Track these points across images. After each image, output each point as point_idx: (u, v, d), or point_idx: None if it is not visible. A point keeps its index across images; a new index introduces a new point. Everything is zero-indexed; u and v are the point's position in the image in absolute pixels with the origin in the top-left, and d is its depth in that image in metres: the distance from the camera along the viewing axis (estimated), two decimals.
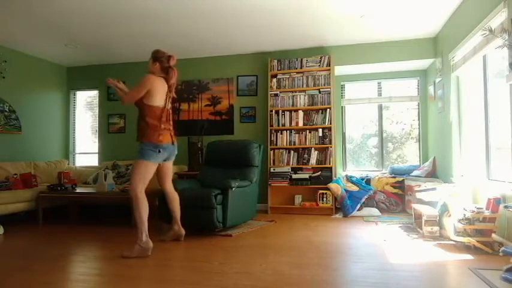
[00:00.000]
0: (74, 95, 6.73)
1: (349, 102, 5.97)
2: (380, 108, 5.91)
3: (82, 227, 4.50)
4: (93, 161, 6.53)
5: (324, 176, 5.24)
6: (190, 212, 3.70)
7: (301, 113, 5.44)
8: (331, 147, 5.25)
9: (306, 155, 5.37)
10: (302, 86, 5.45)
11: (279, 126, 5.49)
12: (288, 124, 5.47)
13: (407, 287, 2.24)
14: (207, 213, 3.69)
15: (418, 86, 5.76)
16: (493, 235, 3.01)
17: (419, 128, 5.76)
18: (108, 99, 6.47)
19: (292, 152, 5.44)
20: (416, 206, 3.94)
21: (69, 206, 5.05)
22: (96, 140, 6.56)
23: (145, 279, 2.45)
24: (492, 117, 3.64)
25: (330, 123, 5.29)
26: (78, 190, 4.81)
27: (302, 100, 5.45)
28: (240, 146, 4.54)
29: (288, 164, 5.41)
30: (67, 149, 6.61)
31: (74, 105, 6.73)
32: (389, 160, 5.89)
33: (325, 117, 5.33)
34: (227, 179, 3.93)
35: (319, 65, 5.40)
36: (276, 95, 5.54)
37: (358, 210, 4.95)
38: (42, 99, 6.11)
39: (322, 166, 5.28)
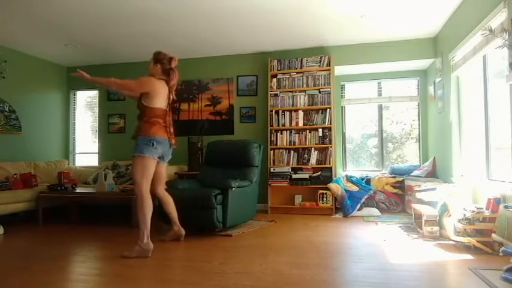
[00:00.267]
0: (74, 95, 6.73)
1: (349, 102, 5.97)
2: (380, 108, 5.91)
3: (82, 227, 4.50)
4: (93, 161, 6.53)
5: (324, 176, 5.24)
6: (190, 212, 3.70)
7: (301, 113, 5.44)
8: (331, 147, 5.25)
9: (306, 155, 5.37)
10: (302, 86, 5.45)
11: (279, 126, 5.49)
12: (288, 124, 5.47)
13: (407, 287, 2.24)
14: (207, 213, 3.69)
15: (418, 86, 5.76)
16: (493, 235, 3.01)
17: (419, 128, 5.76)
18: (108, 99, 6.47)
19: (292, 152, 5.44)
20: (416, 206, 3.94)
21: (69, 206, 5.05)
22: (96, 140, 6.56)
23: (145, 279, 2.45)
24: (492, 117, 3.64)
25: (330, 123, 5.29)
26: (78, 190, 4.81)
27: (302, 100, 5.45)
28: (240, 146, 4.54)
29: (288, 164, 5.41)
30: (67, 149, 6.61)
31: (74, 105, 6.73)
32: (390, 160, 5.89)
33: (325, 117, 5.33)
34: (227, 179, 3.93)
35: (319, 65, 5.40)
36: (276, 95, 5.54)
37: (358, 210, 4.95)
38: (42, 99, 6.11)
39: (322, 166, 5.28)
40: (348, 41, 5.38)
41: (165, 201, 3.46)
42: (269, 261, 2.82)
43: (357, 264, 2.74)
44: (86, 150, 6.69)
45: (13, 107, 5.51)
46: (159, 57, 3.29)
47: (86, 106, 6.77)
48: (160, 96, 3.19)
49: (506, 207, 2.82)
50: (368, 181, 5.39)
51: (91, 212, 5.48)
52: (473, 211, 3.06)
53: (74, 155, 6.69)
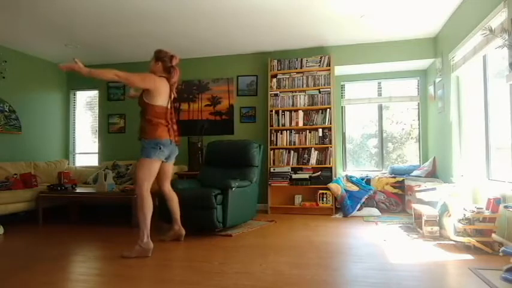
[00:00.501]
0: (74, 95, 6.73)
1: (349, 102, 5.97)
2: (380, 108, 5.91)
3: (82, 227, 4.50)
4: (93, 161, 6.53)
5: (324, 176, 5.24)
6: (190, 212, 3.70)
7: (301, 113, 5.44)
8: (331, 147, 5.25)
9: (306, 155, 5.37)
10: (302, 86, 5.45)
11: (279, 126, 5.49)
12: (288, 124, 5.46)
13: (407, 287, 2.24)
14: (207, 213, 3.69)
15: (418, 86, 5.76)
16: (493, 235, 3.01)
17: (419, 128, 5.76)
18: (108, 99, 6.47)
19: (292, 152, 5.44)
20: (416, 206, 3.94)
21: (69, 206, 5.04)
22: (96, 140, 6.56)
23: (145, 279, 2.45)
24: (492, 117, 3.64)
25: (330, 123, 5.29)
26: (78, 190, 4.81)
27: (302, 100, 5.45)
28: (240, 146, 4.54)
29: (288, 164, 5.41)
30: (67, 149, 6.61)
31: (74, 105, 6.73)
32: (390, 160, 5.89)
33: (325, 117, 5.33)
34: (227, 179, 3.93)
35: (319, 65, 5.40)
36: (276, 95, 5.54)
37: (358, 210, 4.95)
38: (42, 99, 6.11)
39: (322, 166, 5.28)
40: (348, 41, 5.38)
41: (170, 199, 3.50)
42: (269, 261, 2.82)
43: (357, 264, 2.74)
44: (86, 150, 6.69)
45: (13, 107, 5.51)
46: (160, 55, 3.30)
47: (86, 106, 6.77)
48: (162, 94, 3.20)
49: (506, 207, 2.82)
50: (368, 181, 5.39)
51: (91, 212, 5.48)
52: (473, 211, 3.06)
53: (74, 155, 6.69)
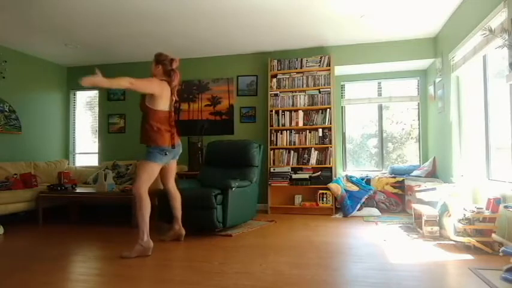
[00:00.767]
0: (74, 95, 6.73)
1: (349, 102, 5.97)
2: (380, 108, 5.91)
3: (82, 227, 4.50)
4: (93, 161, 6.53)
5: (324, 176, 5.24)
6: (190, 212, 3.70)
7: (301, 113, 5.44)
8: (331, 147, 5.25)
9: (306, 155, 5.37)
10: (302, 86, 5.45)
11: (279, 126, 5.49)
12: (288, 124, 5.47)
13: (407, 287, 2.24)
14: (207, 213, 3.69)
15: (418, 86, 5.76)
16: (493, 235, 3.01)
17: (419, 128, 5.76)
18: (108, 99, 6.47)
19: (292, 152, 5.44)
20: (416, 206, 3.94)
21: (69, 206, 5.05)
22: (96, 140, 6.56)
23: (145, 279, 2.45)
24: (492, 117, 3.64)
25: (330, 123, 5.29)
26: (78, 190, 4.81)
27: (302, 100, 5.45)
28: (240, 146, 4.54)
29: (288, 164, 5.41)
30: (67, 149, 6.61)
31: (74, 105, 6.73)
32: (390, 160, 5.89)
33: (325, 117, 5.33)
34: (227, 179, 3.93)
35: (319, 65, 5.40)
36: (276, 95, 5.54)
37: (358, 210, 4.95)
38: (42, 99, 6.11)
39: (322, 166, 5.28)
40: (348, 41, 5.38)
41: (173, 197, 3.54)
42: (269, 261, 2.82)
43: (357, 264, 2.74)
44: (86, 150, 6.69)
45: (13, 107, 5.51)
46: (160, 59, 3.32)
47: (85, 106, 6.77)
48: (164, 98, 3.23)
49: (506, 207, 2.82)
50: (368, 181, 5.39)
51: (91, 212, 5.48)
52: (473, 211, 3.06)
53: (74, 155, 6.69)
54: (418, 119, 5.76)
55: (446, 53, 4.58)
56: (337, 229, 4.09)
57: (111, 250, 3.26)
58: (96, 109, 6.58)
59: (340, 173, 5.76)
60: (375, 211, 4.98)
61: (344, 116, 6.00)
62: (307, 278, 2.43)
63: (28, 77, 5.85)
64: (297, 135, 5.44)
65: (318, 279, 2.39)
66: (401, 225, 4.20)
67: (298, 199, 5.34)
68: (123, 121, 6.38)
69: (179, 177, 5.34)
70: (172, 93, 3.32)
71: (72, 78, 6.60)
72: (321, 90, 5.38)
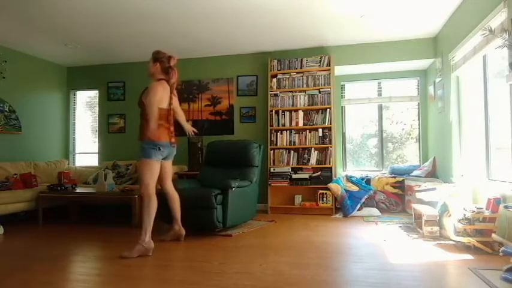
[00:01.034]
0: (74, 95, 6.73)
1: (349, 102, 5.97)
2: (380, 108, 5.91)
3: (82, 227, 4.50)
4: (93, 161, 6.52)
5: (324, 176, 5.24)
6: (190, 212, 3.70)
7: (301, 113, 5.44)
8: (331, 147, 5.25)
9: (306, 155, 5.37)
10: (302, 86, 5.45)
11: (279, 126, 5.49)
12: (288, 124, 5.47)
13: (407, 287, 2.24)
14: (207, 213, 3.69)
15: (418, 86, 5.76)
16: (493, 235, 3.01)
17: (419, 128, 5.76)
18: (108, 99, 6.47)
19: (292, 152, 5.44)
20: (416, 206, 3.94)
21: (69, 206, 5.05)
22: (96, 140, 6.56)
23: (145, 279, 2.45)
24: (492, 117, 3.64)
25: (330, 123, 5.29)
26: (78, 190, 4.81)
27: (302, 100, 5.45)
28: (240, 146, 4.54)
29: (288, 164, 5.41)
30: (67, 149, 6.61)
31: (74, 105, 6.73)
32: (390, 160, 5.89)
33: (325, 117, 5.33)
34: (227, 179, 3.93)
35: (319, 65, 5.40)
36: (276, 95, 5.54)
37: (358, 210, 4.95)
38: (42, 99, 6.11)
39: (322, 166, 5.28)
40: (348, 41, 5.38)
41: (171, 198, 3.52)
42: (269, 261, 2.82)
43: (357, 264, 2.74)
44: (86, 150, 6.68)
45: (13, 107, 5.51)
46: (158, 56, 3.32)
47: (85, 106, 6.77)
48: (163, 97, 3.23)
49: (506, 207, 2.82)
50: (368, 181, 5.39)
51: (91, 212, 5.48)
52: (473, 211, 3.06)
53: (74, 155, 6.69)
54: (418, 119, 5.76)
55: (446, 53, 4.58)
56: (337, 229, 4.09)
57: (111, 250, 3.26)
58: (96, 109, 6.58)
59: (340, 173, 5.76)
60: (375, 211, 4.98)
61: (344, 116, 6.00)
62: (307, 278, 2.43)
63: (28, 77, 5.85)
64: (297, 135, 5.44)
65: (318, 279, 2.39)
66: (401, 225, 4.20)
67: (298, 199, 5.34)
68: (123, 121, 6.38)
69: (179, 177, 5.34)
70: (171, 91, 3.32)
71: (72, 78, 6.61)
72: (321, 90, 5.38)
